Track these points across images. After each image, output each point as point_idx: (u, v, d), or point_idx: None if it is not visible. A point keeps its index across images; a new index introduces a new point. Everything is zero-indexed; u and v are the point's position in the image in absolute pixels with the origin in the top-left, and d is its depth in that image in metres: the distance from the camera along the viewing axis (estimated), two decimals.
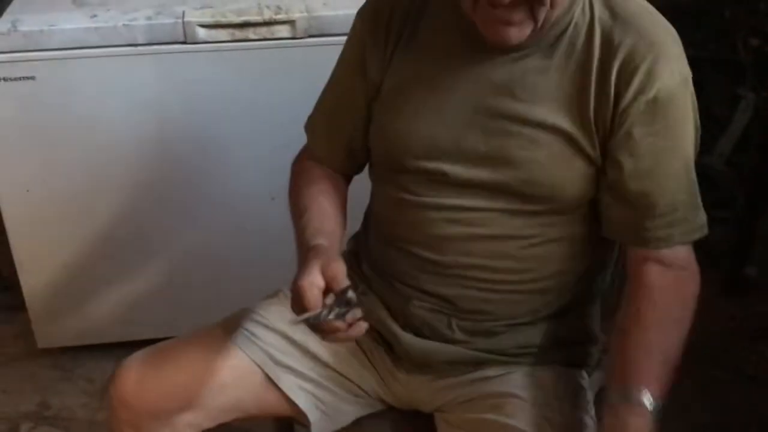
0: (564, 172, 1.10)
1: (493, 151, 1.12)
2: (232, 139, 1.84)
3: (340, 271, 1.05)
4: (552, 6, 1.03)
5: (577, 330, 1.26)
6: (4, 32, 1.67)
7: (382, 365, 1.28)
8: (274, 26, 1.74)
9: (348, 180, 1.32)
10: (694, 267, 1.12)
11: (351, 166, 1.30)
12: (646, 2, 1.13)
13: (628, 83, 1.06)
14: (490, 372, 1.23)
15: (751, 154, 2.30)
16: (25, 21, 1.69)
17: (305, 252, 1.11)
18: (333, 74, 1.27)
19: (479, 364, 1.23)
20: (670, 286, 1.10)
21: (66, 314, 2.00)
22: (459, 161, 1.13)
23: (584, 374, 1.27)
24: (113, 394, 1.22)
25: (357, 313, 1.03)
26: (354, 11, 1.23)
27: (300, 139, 1.33)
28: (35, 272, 1.94)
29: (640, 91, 1.06)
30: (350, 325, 1.03)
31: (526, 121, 1.10)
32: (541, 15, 1.03)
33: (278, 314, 1.28)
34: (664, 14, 1.12)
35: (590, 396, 1.25)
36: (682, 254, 1.11)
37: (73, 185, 1.84)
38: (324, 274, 1.04)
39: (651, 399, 1.02)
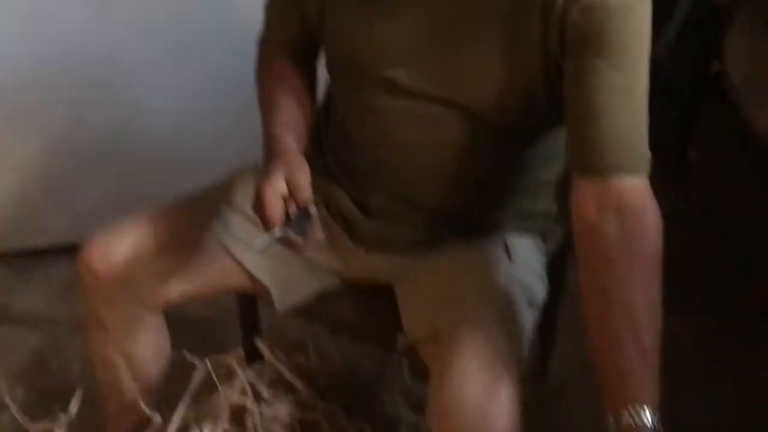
0: (514, 89, 1.09)
1: (443, 65, 1.12)
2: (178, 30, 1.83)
3: (303, 180, 1.06)
4: None
5: (533, 207, 1.29)
6: None
7: (342, 243, 1.31)
8: None
9: (312, 60, 1.31)
10: (652, 207, 1.02)
11: (309, 46, 1.29)
12: None
13: None
14: (449, 245, 1.26)
15: (695, 39, 2.33)
16: None
17: (272, 151, 1.12)
18: None
19: (438, 243, 1.26)
20: (630, 238, 1.00)
21: (21, 217, 1.99)
22: (411, 71, 1.13)
23: (540, 242, 1.31)
24: (82, 266, 1.24)
25: (315, 224, 1.06)
26: None
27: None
28: None
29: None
30: (307, 235, 1.06)
31: (477, 38, 1.09)
32: None
33: (238, 193, 1.30)
34: None
35: (544, 261, 1.30)
36: (637, 190, 1.02)
37: (21, 81, 1.81)
38: (288, 183, 1.06)
39: (648, 415, 0.96)
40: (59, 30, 1.77)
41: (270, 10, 1.29)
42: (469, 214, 1.25)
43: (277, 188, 1.05)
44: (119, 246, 1.23)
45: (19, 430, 1.48)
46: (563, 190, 1.20)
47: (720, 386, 1.75)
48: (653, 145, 1.05)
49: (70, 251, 1.94)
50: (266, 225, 1.06)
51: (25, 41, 1.77)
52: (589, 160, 1.03)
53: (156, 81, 1.88)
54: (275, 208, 1.05)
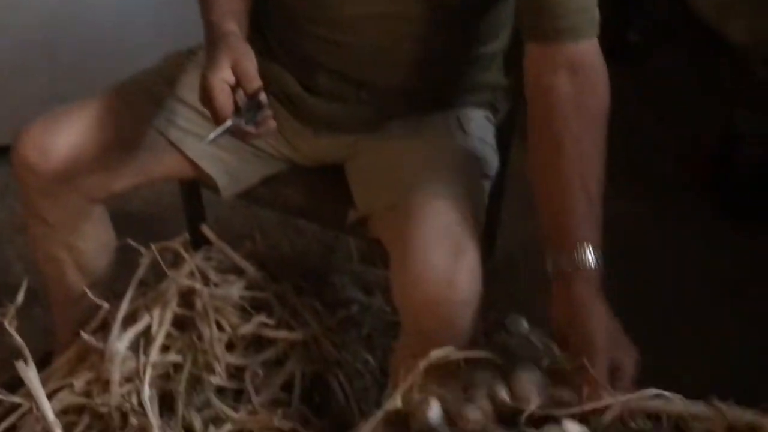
0: None
1: None
2: None
3: (251, 68, 1.03)
4: None
5: (483, 80, 1.28)
6: None
7: (288, 126, 1.28)
8: None
9: None
10: (601, 65, 1.06)
11: None
12: None
13: None
14: (401, 122, 1.25)
15: None
16: None
17: (214, 38, 1.07)
18: None
19: (389, 120, 1.25)
20: (582, 93, 1.03)
21: None
22: None
23: (490, 115, 1.31)
24: (16, 159, 1.19)
25: (266, 112, 1.03)
26: None
27: None
28: None
29: None
30: (258, 124, 1.03)
31: None
32: None
33: (183, 83, 1.26)
34: None
35: (494, 131, 1.30)
36: (589, 50, 1.05)
37: None
38: (234, 70, 1.02)
39: (592, 253, 0.98)
40: None
41: None
42: (419, 90, 1.24)
43: (223, 77, 1.01)
44: (56, 137, 1.18)
45: None
46: (511, 61, 1.21)
47: (661, 252, 1.84)
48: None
49: (3, 152, 1.91)
50: (216, 118, 1.02)
51: None
52: (542, 26, 1.05)
53: None
54: (224, 99, 1.01)
